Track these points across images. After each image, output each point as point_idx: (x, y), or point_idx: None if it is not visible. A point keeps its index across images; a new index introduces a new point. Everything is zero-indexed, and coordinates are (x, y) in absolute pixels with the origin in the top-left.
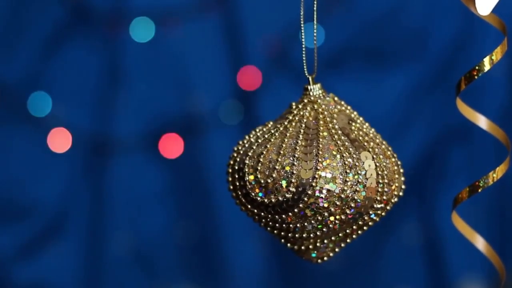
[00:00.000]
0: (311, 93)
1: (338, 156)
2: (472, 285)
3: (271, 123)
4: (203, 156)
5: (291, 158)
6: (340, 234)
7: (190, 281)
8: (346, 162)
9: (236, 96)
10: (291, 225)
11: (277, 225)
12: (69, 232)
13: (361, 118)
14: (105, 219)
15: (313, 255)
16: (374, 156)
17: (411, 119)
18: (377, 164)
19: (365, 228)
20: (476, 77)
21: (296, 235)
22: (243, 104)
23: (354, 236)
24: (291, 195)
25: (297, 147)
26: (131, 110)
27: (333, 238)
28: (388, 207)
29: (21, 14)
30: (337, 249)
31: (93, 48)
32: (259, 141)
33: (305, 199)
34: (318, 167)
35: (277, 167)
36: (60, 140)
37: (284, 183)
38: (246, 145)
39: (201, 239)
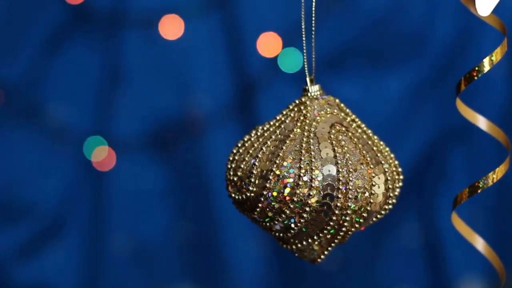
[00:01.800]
0: (309, 94)
1: (297, 158)
2: (472, 285)
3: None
4: (203, 156)
5: (255, 158)
6: (315, 237)
7: (190, 281)
8: (302, 166)
9: (236, 96)
10: (263, 224)
11: (256, 222)
12: (69, 232)
13: (359, 122)
14: (105, 219)
15: (306, 255)
16: (339, 162)
17: (411, 119)
18: (340, 170)
19: (342, 233)
20: (476, 77)
21: (276, 235)
22: (243, 104)
23: (336, 241)
24: (251, 195)
25: (264, 147)
26: (131, 110)
27: (310, 240)
28: (364, 214)
29: (21, 14)
30: (326, 252)
31: (93, 48)
32: (245, 139)
33: (261, 199)
34: (273, 169)
35: (242, 166)
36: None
37: (246, 181)
38: (239, 145)
39: (201, 239)
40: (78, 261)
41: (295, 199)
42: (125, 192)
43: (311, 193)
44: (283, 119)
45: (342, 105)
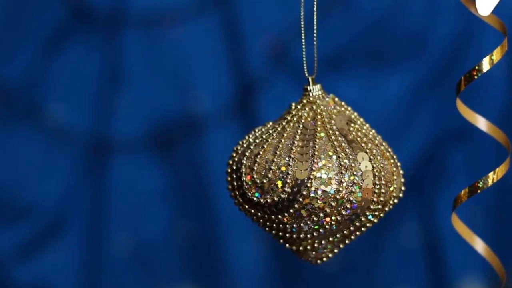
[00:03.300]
0: (310, 94)
1: (334, 157)
2: (472, 285)
3: (271, 123)
4: (203, 156)
5: (287, 159)
6: (337, 235)
7: (190, 281)
8: (342, 163)
9: (236, 96)
10: (287, 226)
11: (274, 225)
12: (70, 232)
13: (361, 119)
14: (105, 219)
15: (312, 256)
16: (371, 158)
17: (412, 119)
18: (374, 166)
19: (363, 229)
20: (475, 77)
21: (294, 236)
22: (243, 104)
23: (352, 237)
24: (286, 196)
25: (293, 148)
26: (131, 110)
27: (330, 239)
28: (386, 208)
29: (21, 14)
30: (336, 250)
31: (93, 48)
32: (257, 141)
33: (300, 199)
34: (314, 168)
35: (272, 167)
36: None
37: (279, 183)
38: (245, 146)
39: (201, 239)
40: (78, 261)
41: (338, 197)
42: (125, 192)
43: (353, 190)
44: (295, 119)
45: (343, 103)
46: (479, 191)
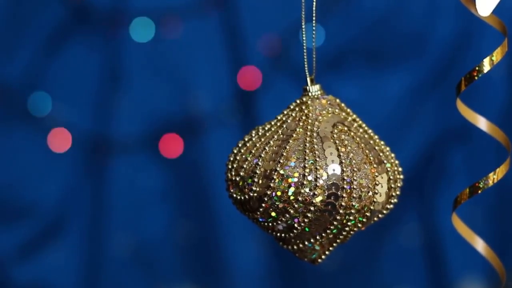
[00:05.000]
0: (309, 94)
1: (300, 158)
2: (472, 285)
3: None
4: (203, 156)
5: (258, 158)
6: (317, 237)
7: (190, 281)
8: (307, 165)
9: (236, 96)
10: (265, 224)
11: (257, 223)
12: (69, 232)
13: (359, 122)
14: (105, 219)
15: (306, 256)
16: (343, 161)
17: (412, 119)
18: (344, 170)
19: (344, 233)
20: (476, 78)
21: (278, 235)
22: (243, 104)
23: (338, 241)
24: (255, 195)
25: (267, 147)
26: (131, 110)
27: (312, 240)
28: (368, 214)
29: (21, 14)
30: (327, 252)
31: (93, 48)
32: (245, 139)
33: (265, 199)
34: (277, 168)
35: (245, 166)
36: (60, 140)
37: (249, 181)
38: (240, 144)
39: (201, 239)
40: (78, 261)
41: (300, 198)
42: (125, 192)
43: (316, 193)
44: (284, 119)
45: (342, 105)
46: (479, 192)
